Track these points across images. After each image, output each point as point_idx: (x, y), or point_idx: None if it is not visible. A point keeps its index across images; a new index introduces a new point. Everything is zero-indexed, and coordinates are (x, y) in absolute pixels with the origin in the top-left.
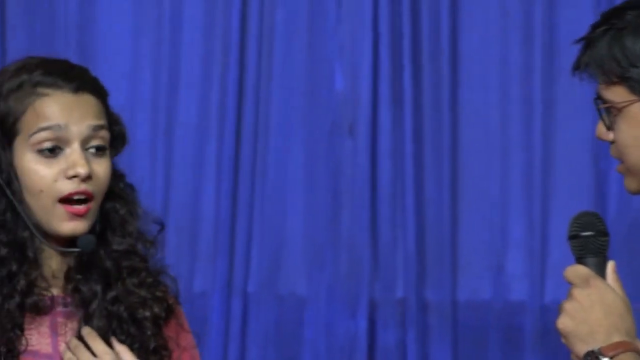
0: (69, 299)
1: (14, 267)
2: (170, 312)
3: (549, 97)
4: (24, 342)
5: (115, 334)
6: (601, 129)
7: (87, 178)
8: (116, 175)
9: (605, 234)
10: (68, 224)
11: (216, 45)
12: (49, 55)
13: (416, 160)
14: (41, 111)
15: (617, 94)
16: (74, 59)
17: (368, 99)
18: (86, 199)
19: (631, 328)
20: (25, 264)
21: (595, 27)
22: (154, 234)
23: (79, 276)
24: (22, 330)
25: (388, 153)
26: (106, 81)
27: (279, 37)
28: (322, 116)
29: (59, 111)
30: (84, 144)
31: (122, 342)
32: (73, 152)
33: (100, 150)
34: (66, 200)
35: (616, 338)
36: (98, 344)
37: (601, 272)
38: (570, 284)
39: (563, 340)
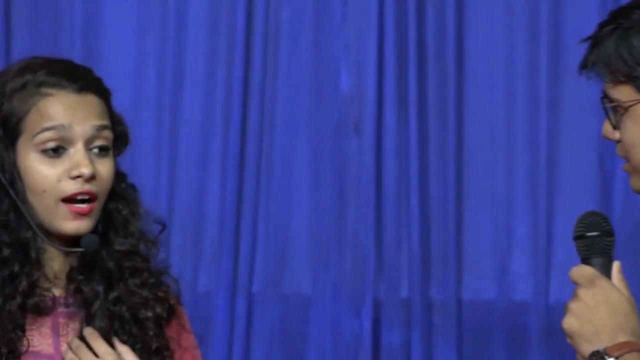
0: (70, 300)
1: (16, 268)
2: (171, 312)
3: (554, 96)
4: (25, 342)
5: (117, 335)
6: (607, 128)
7: (91, 178)
8: (118, 175)
9: (610, 234)
10: (72, 223)
11: (221, 43)
12: (54, 54)
13: (421, 159)
14: (45, 111)
15: (623, 93)
16: (79, 57)
17: (373, 97)
18: (90, 198)
19: (636, 328)
20: (27, 264)
21: (602, 26)
22: (155, 234)
23: (81, 276)
24: (23, 331)
25: (393, 152)
26: (111, 80)
27: (285, 35)
28: (328, 115)
29: (62, 111)
30: (88, 144)
31: (124, 342)
32: (77, 152)
33: (103, 150)
34: (69, 199)
35: (621, 338)
36: (100, 345)
37: (606, 272)
38: (575, 284)
39: (568, 340)
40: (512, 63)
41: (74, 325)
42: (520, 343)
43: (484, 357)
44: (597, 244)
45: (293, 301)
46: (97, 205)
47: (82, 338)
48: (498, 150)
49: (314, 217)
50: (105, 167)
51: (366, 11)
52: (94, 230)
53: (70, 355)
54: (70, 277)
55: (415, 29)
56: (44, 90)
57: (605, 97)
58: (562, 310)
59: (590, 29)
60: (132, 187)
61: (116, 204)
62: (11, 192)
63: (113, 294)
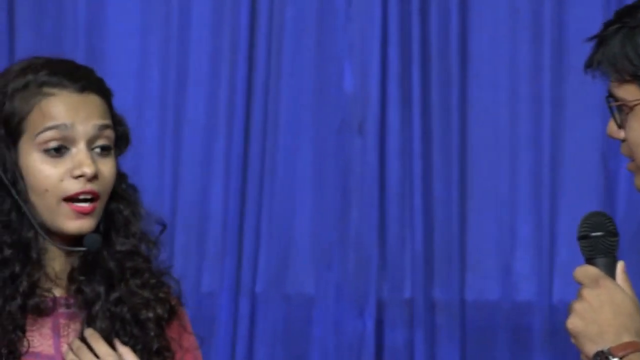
0: (71, 300)
1: (17, 269)
2: (173, 313)
3: (558, 96)
4: (25, 343)
5: (118, 336)
6: (612, 127)
7: (93, 178)
8: (119, 176)
9: (615, 234)
10: (74, 223)
11: (225, 43)
12: (58, 54)
13: (425, 159)
14: (47, 111)
15: (629, 92)
16: (83, 57)
17: (377, 97)
18: (92, 198)
19: None
20: (28, 264)
21: (608, 25)
22: (156, 234)
23: (82, 277)
24: (23, 331)
25: (397, 152)
26: (114, 79)
27: (288, 35)
28: (331, 115)
29: (65, 111)
30: (90, 144)
31: (124, 343)
32: (79, 152)
33: (105, 150)
34: (71, 199)
35: (626, 338)
36: (101, 346)
37: (611, 272)
38: (579, 284)
39: (572, 341)
40: (516, 63)
41: (75, 326)
42: (524, 343)
43: (487, 357)
44: (601, 244)
45: (296, 301)
46: (99, 205)
47: (83, 339)
48: (501, 150)
49: (317, 217)
50: (107, 167)
51: (370, 11)
52: (96, 230)
53: (70, 356)
54: (71, 278)
55: (418, 29)
56: (46, 90)
57: (611, 96)
58: (566, 311)
59: (593, 29)
60: (133, 187)
61: (117, 204)
62: (13, 191)
63: (114, 295)
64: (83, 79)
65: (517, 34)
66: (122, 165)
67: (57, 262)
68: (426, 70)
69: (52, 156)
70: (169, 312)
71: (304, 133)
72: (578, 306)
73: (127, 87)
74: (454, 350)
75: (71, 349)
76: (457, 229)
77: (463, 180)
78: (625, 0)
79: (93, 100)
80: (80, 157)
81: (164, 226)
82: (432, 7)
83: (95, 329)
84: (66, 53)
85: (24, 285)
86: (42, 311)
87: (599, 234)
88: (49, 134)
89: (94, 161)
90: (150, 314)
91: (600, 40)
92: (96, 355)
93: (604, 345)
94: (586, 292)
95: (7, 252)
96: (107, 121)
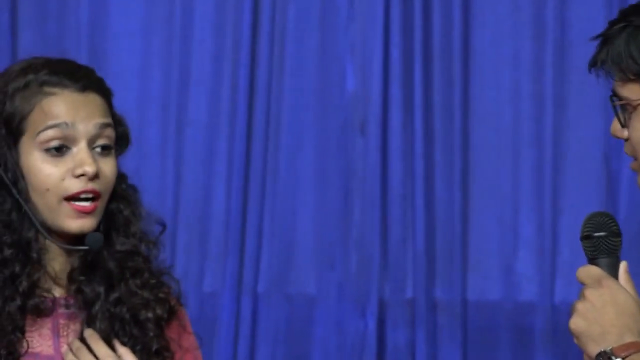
0: (71, 301)
1: (17, 269)
2: (172, 313)
3: (560, 95)
4: (24, 344)
5: (117, 336)
6: (616, 126)
7: (95, 177)
8: (119, 176)
9: (618, 234)
10: (76, 221)
11: (227, 42)
12: (60, 54)
13: (427, 159)
14: (48, 109)
15: (633, 91)
16: (85, 57)
17: (379, 97)
18: (93, 197)
19: None
20: (28, 264)
21: (612, 24)
22: (156, 234)
23: (81, 277)
24: (22, 332)
25: (399, 152)
26: (117, 79)
27: (291, 35)
28: (333, 115)
29: (65, 110)
30: (91, 143)
31: (124, 344)
32: (80, 151)
33: (106, 149)
34: (72, 198)
35: (628, 338)
36: (100, 347)
37: (614, 272)
38: (582, 285)
39: (575, 341)
40: (518, 62)
41: (75, 327)
42: (526, 343)
43: (489, 357)
44: (604, 244)
45: (298, 301)
46: (100, 204)
47: (83, 339)
48: (503, 149)
49: (319, 217)
50: (108, 166)
51: (372, 11)
52: (97, 230)
53: (70, 356)
54: (71, 278)
55: (421, 28)
56: (47, 89)
57: (615, 95)
58: (568, 311)
59: (596, 27)
60: (133, 187)
61: (117, 204)
62: (14, 191)
63: (114, 295)
64: (84, 78)
65: (519, 33)
66: (124, 165)
67: (57, 262)
68: (428, 69)
69: (53, 155)
70: (169, 312)
71: (306, 133)
72: (581, 306)
73: (130, 87)
74: (456, 350)
75: (71, 350)
76: (459, 228)
77: (465, 180)
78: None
79: (94, 100)
80: (81, 156)
81: (163, 226)
82: (434, 7)
83: (94, 329)
84: (68, 53)
85: (23, 285)
86: (41, 311)
87: (602, 234)
88: (50, 133)
89: (95, 160)
90: (150, 315)
91: (605, 39)
92: (95, 356)
93: (606, 346)
94: (589, 292)
95: (7, 252)
96: (108, 120)
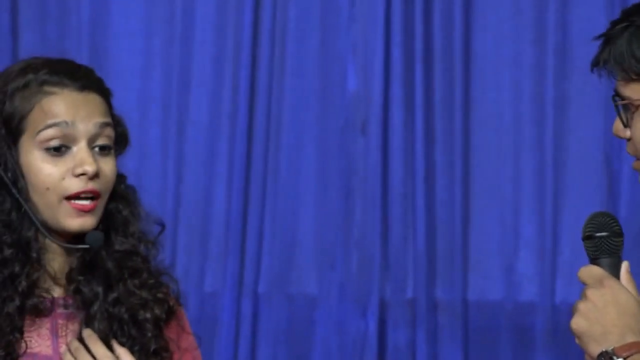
0: (69, 301)
1: (17, 269)
2: (171, 313)
3: (561, 96)
4: (23, 345)
5: (116, 336)
6: (618, 126)
7: (94, 176)
8: (118, 176)
9: (619, 234)
10: (76, 220)
11: (228, 43)
12: (61, 54)
13: (428, 159)
14: (48, 109)
15: (635, 91)
16: (86, 58)
17: (380, 97)
18: (93, 196)
19: None
20: (27, 264)
21: (615, 23)
22: (155, 235)
23: (80, 277)
24: (21, 333)
25: (400, 152)
26: (118, 80)
27: (292, 35)
28: (334, 115)
29: (65, 109)
30: (91, 143)
31: (122, 344)
32: (80, 150)
33: (105, 149)
34: (73, 197)
35: (630, 338)
36: (99, 347)
37: (615, 272)
38: (583, 285)
39: (577, 341)
40: (519, 63)
41: (73, 327)
42: (526, 343)
43: (489, 357)
44: (605, 244)
45: (299, 301)
46: (100, 203)
47: (81, 339)
48: (504, 150)
49: (320, 217)
50: (108, 166)
51: (373, 11)
52: (97, 229)
53: (68, 357)
54: (70, 278)
55: (422, 29)
56: (47, 88)
57: (617, 95)
58: (568, 311)
59: (597, 29)
60: (132, 188)
61: (116, 204)
62: (14, 190)
63: (112, 295)
64: (83, 78)
65: (520, 34)
66: (125, 165)
67: (56, 261)
68: (429, 70)
69: (53, 155)
70: (167, 312)
71: (307, 133)
72: (582, 306)
73: (131, 87)
74: (457, 351)
75: (69, 350)
76: (460, 229)
77: (466, 180)
78: (629, 0)
79: (93, 99)
80: (81, 155)
81: (163, 226)
82: (436, 7)
83: (93, 329)
84: (69, 54)
85: (22, 285)
86: (40, 312)
87: (603, 234)
88: (50, 132)
89: (95, 160)
90: (148, 315)
91: (607, 39)
92: (94, 357)
93: (608, 346)
94: (590, 292)
95: (7, 252)
96: (108, 119)
